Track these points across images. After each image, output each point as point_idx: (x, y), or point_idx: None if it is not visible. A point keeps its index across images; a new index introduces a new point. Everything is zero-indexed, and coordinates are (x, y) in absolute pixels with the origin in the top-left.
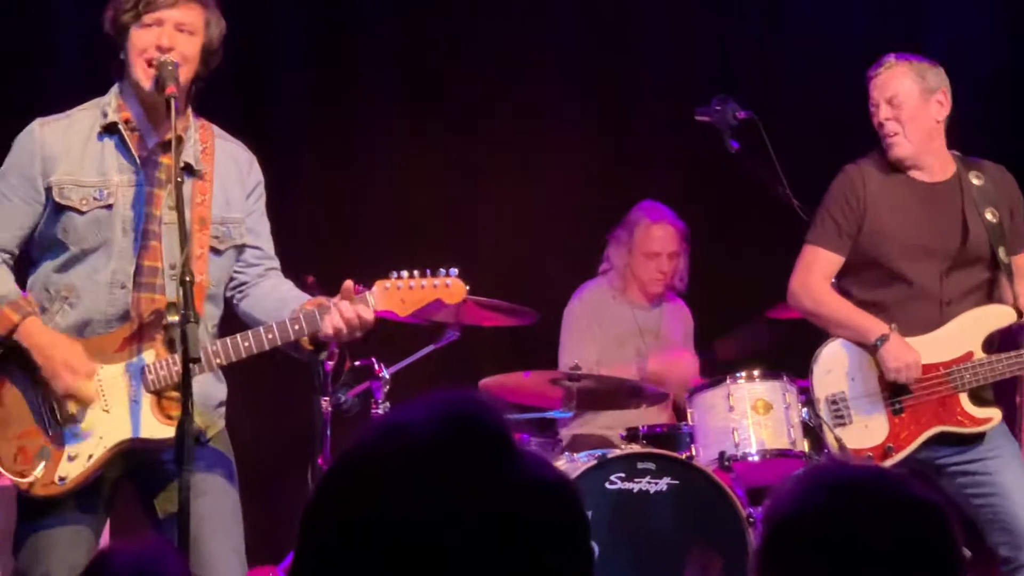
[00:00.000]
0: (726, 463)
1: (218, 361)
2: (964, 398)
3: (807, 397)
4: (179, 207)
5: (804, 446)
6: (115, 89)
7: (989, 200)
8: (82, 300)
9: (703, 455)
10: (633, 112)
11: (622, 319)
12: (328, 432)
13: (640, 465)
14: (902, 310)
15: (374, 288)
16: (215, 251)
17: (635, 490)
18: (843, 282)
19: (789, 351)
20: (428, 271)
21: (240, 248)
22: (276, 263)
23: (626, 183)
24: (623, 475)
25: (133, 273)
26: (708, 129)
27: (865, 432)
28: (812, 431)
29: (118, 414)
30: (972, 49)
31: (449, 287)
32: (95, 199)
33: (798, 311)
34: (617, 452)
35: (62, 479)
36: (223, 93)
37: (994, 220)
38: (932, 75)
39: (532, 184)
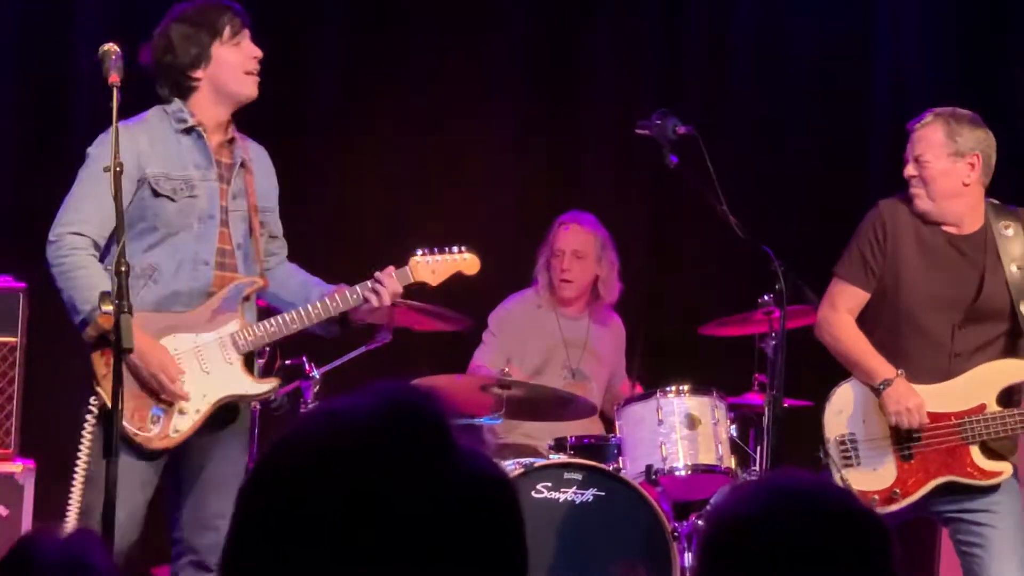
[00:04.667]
0: (653, 476)
1: (295, 326)
2: (975, 450)
3: (734, 415)
4: (117, 196)
5: (731, 463)
6: (179, 101)
7: (1018, 252)
8: (164, 277)
9: (631, 468)
10: (579, 124)
11: (547, 329)
12: (256, 431)
13: (567, 475)
14: (911, 356)
15: (410, 262)
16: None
17: (561, 500)
18: (869, 313)
19: (720, 368)
20: (446, 248)
21: (270, 233)
22: (286, 250)
23: (570, 195)
24: (549, 484)
25: (215, 254)
26: (650, 143)
27: (873, 475)
28: (739, 448)
29: (217, 375)
30: (921, 68)
31: (467, 260)
32: (183, 190)
33: (822, 342)
34: (544, 461)
35: (176, 431)
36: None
37: (1018, 272)
38: (968, 137)
39: (474, 192)
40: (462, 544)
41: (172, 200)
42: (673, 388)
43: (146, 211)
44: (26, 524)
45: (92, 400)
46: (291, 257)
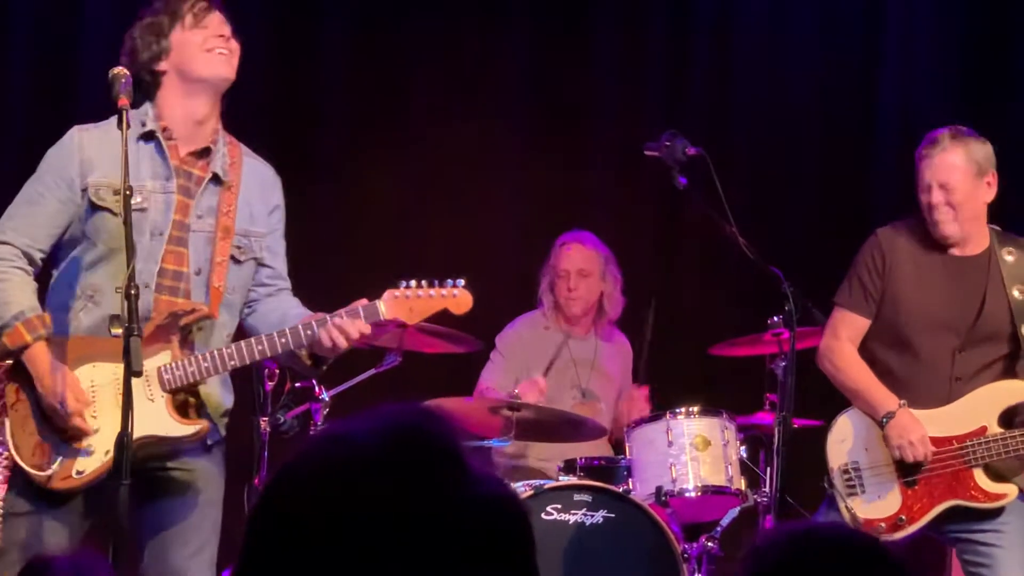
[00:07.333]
0: (663, 498)
1: (232, 363)
2: (978, 473)
3: (744, 435)
4: (127, 219)
5: (741, 484)
6: (148, 104)
7: (1020, 276)
8: (105, 298)
9: (640, 489)
10: (585, 144)
11: (555, 349)
12: (266, 453)
13: (576, 497)
14: (912, 382)
15: (384, 297)
16: (235, 260)
17: (571, 522)
18: (868, 340)
19: (730, 389)
20: (436, 281)
21: (258, 262)
22: (287, 283)
23: (577, 215)
24: (559, 506)
25: (156, 275)
26: (658, 164)
27: (878, 503)
28: (749, 469)
29: (136, 412)
30: (925, 87)
31: (456, 297)
32: (131, 202)
33: (824, 371)
34: (553, 483)
35: (80, 472)
36: None
37: (1021, 297)
38: (983, 155)
39: (482, 214)
40: (473, 566)
41: (114, 213)
42: (683, 409)
43: (87, 225)
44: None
45: None
46: (300, 275)
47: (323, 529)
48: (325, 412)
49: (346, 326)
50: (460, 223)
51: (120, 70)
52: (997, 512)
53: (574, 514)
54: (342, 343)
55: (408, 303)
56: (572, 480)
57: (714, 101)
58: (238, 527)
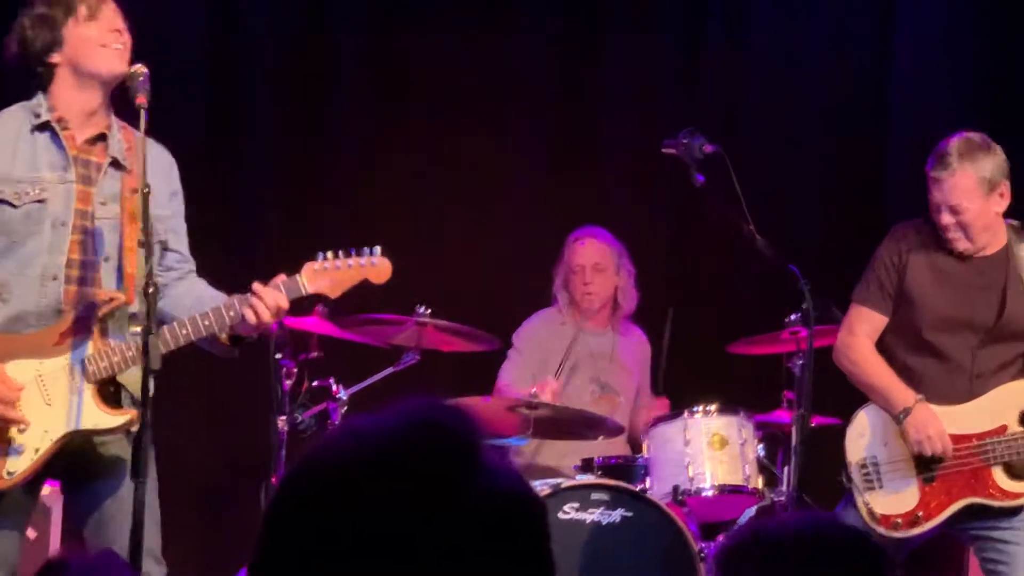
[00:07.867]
0: (680, 497)
1: (130, 354)
2: (997, 471)
3: (762, 433)
4: (145, 220)
5: (758, 483)
6: (40, 95)
7: None
8: (13, 295)
9: (657, 488)
10: (601, 142)
11: (567, 347)
12: (283, 452)
13: (594, 496)
14: (932, 379)
15: (303, 270)
16: (142, 244)
17: (588, 521)
18: (887, 339)
19: (748, 387)
20: (352, 250)
21: (164, 246)
22: (193, 265)
23: (593, 215)
24: (576, 505)
25: (64, 266)
26: (676, 162)
27: (896, 498)
28: (766, 468)
29: (62, 407)
30: (935, 83)
31: (376, 266)
32: (28, 194)
33: (840, 368)
34: (571, 482)
35: (10, 473)
36: (192, 101)
37: None
38: (993, 167)
39: (500, 213)
40: (489, 563)
41: (13, 206)
42: (700, 408)
43: None
44: (54, 546)
45: None
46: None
47: (339, 524)
48: (343, 411)
49: (266, 298)
50: (476, 222)
51: (139, 68)
52: (1016, 510)
53: (591, 513)
54: (267, 317)
55: (328, 275)
56: (590, 479)
57: (727, 101)
58: (256, 525)
